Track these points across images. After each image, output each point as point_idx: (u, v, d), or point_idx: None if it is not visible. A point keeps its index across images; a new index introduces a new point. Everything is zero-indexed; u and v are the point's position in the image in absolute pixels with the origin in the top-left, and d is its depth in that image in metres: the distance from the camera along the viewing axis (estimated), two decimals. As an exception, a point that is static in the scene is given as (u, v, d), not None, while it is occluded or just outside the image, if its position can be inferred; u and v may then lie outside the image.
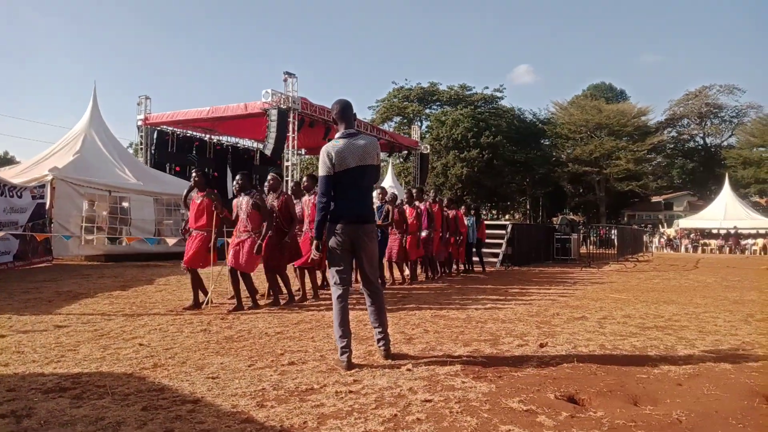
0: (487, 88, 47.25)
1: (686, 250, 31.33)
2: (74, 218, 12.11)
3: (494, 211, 49.45)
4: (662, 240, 33.74)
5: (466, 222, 11.15)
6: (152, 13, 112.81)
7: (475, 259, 11.93)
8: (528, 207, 51.64)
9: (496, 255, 13.56)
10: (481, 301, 7.26)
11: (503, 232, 13.95)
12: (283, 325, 5.27)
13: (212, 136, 21.92)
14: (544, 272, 12.26)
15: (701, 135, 53.88)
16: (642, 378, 3.52)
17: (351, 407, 2.87)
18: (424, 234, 9.30)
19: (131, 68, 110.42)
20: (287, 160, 17.80)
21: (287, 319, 5.60)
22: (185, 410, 2.80)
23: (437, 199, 10.50)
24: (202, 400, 2.98)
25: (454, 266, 11.23)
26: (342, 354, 3.68)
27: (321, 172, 3.75)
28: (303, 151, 24.20)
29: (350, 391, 3.14)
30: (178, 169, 19.77)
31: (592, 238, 21.49)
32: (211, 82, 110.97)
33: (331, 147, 3.74)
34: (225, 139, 22.66)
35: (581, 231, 21.14)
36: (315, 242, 3.81)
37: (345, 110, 3.88)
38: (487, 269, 12.24)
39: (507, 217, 48.65)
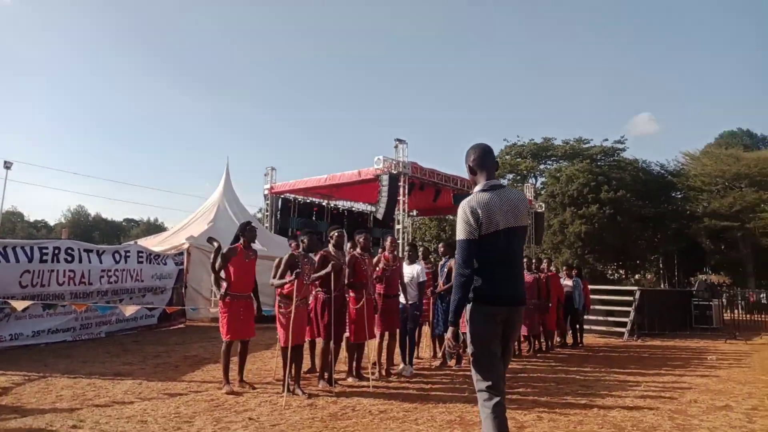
0: (606, 140, 45.21)
1: None
2: (205, 283, 13.14)
3: (621, 271, 45.96)
4: (831, 305, 28.94)
5: (569, 284, 10.37)
6: (275, 92, 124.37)
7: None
8: (661, 265, 47.37)
9: (623, 324, 12.43)
10: (603, 381, 6.61)
11: (630, 298, 12.80)
12: (387, 402, 5.17)
13: (330, 201, 23.11)
14: (680, 346, 10.97)
15: None
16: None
17: None
18: None
19: (259, 142, 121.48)
20: (398, 223, 18.12)
21: (392, 395, 5.49)
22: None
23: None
24: (299, 490, 2.94)
25: (558, 339, 10.28)
26: None
27: (461, 234, 2.88)
28: (414, 212, 24.58)
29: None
30: (298, 233, 20.94)
31: (739, 303, 18.96)
32: (329, 150, 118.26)
33: (475, 202, 2.89)
34: (341, 204, 23.76)
35: (725, 295, 18.79)
36: (451, 329, 2.94)
37: (485, 157, 3.06)
38: (618, 341, 11.20)
39: (637, 276, 44.89)
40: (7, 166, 22.32)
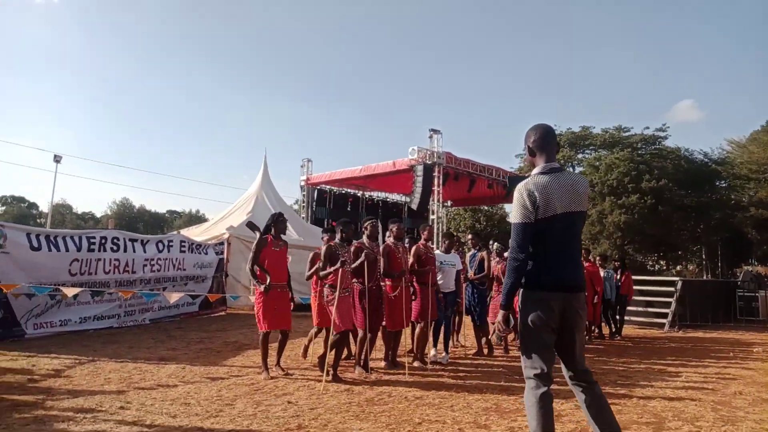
0: (647, 128, 43.82)
1: None
2: (244, 272, 13.44)
3: (662, 262, 44.69)
4: None
5: (602, 274, 10.08)
6: (311, 85, 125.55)
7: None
8: (704, 256, 45.82)
9: (663, 315, 12.13)
10: (643, 372, 6.49)
11: (672, 288, 12.47)
12: (423, 389, 5.21)
13: (364, 192, 23.22)
14: (723, 338, 10.64)
15: None
16: None
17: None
18: None
19: (296, 135, 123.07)
20: (433, 213, 18.07)
21: (428, 383, 5.53)
22: (320, 481, 2.86)
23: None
24: (337, 470, 3.02)
25: (595, 330, 9.99)
26: None
27: (516, 217, 2.81)
28: (449, 202, 24.46)
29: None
30: (334, 224, 21.16)
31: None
32: (364, 141, 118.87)
33: (532, 184, 2.81)
34: (376, 195, 23.83)
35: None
36: (503, 313, 2.92)
37: (546, 138, 2.95)
38: (658, 332, 10.94)
39: (678, 267, 43.56)
40: (57, 159, 23.20)
